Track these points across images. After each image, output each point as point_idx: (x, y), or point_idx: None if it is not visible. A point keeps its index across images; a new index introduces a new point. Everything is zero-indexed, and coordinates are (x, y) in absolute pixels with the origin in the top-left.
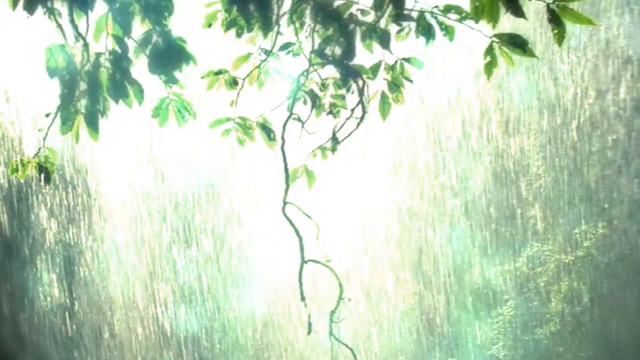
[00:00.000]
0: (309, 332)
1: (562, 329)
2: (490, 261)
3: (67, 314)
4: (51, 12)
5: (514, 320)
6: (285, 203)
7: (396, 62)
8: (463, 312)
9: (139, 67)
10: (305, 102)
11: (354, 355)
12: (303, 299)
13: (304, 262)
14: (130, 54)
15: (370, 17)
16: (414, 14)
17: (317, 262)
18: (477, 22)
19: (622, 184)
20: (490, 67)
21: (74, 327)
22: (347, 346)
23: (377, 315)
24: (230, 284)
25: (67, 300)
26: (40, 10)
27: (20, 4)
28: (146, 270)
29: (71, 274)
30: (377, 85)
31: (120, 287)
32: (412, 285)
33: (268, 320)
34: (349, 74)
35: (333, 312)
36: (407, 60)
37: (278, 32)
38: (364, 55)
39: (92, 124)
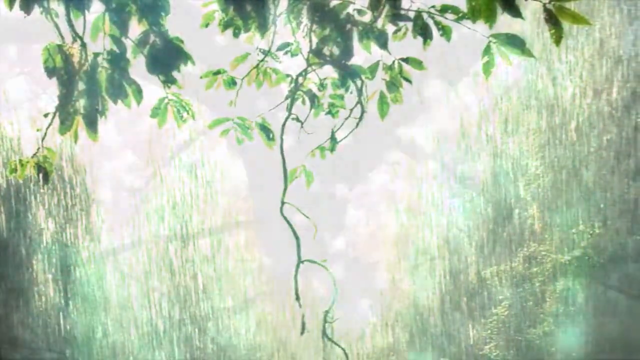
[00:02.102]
0: (302, 332)
1: (555, 328)
2: (486, 261)
3: (61, 314)
4: (48, 11)
5: (507, 320)
6: (283, 203)
7: (394, 62)
8: (457, 312)
9: (137, 67)
10: (303, 102)
11: (346, 355)
12: (298, 298)
13: (300, 261)
14: (128, 54)
15: (367, 17)
16: (411, 14)
17: (314, 262)
18: (474, 22)
19: (616, 183)
20: (488, 66)
21: (69, 327)
22: (339, 346)
23: (372, 315)
24: (226, 283)
25: (63, 300)
26: (37, 9)
27: (17, 4)
28: (142, 270)
29: (67, 274)
30: (376, 85)
31: (116, 287)
32: (408, 285)
33: (262, 319)
34: (347, 73)
35: (327, 312)
36: (406, 60)
37: (275, 32)
38: (363, 54)
39: (91, 124)
